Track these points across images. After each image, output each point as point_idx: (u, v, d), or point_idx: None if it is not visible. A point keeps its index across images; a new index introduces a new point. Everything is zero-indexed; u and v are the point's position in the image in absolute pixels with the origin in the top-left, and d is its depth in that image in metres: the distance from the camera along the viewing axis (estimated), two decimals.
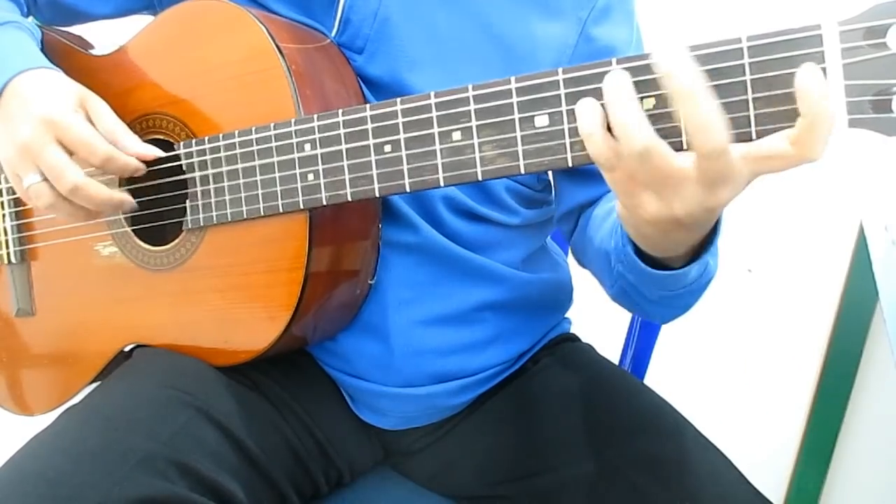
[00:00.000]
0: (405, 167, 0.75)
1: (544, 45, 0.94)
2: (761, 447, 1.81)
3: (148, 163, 0.89)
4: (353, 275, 0.91)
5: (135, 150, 0.88)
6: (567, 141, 0.67)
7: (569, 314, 1.12)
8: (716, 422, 1.06)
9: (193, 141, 0.91)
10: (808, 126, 0.60)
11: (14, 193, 1.05)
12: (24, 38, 0.93)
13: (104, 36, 1.07)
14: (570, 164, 0.67)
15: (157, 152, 0.89)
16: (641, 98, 0.63)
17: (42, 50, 0.94)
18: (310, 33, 0.92)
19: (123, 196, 0.90)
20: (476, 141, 0.70)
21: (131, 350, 1.02)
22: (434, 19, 0.92)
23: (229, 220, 0.89)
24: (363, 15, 0.92)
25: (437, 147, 0.73)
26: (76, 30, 1.09)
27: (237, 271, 0.91)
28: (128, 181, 0.93)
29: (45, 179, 0.87)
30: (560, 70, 0.67)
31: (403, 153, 0.75)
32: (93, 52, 1.04)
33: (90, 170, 0.88)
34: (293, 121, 0.82)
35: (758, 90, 0.60)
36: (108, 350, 1.02)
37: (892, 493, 1.67)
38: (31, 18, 1.04)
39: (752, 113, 0.61)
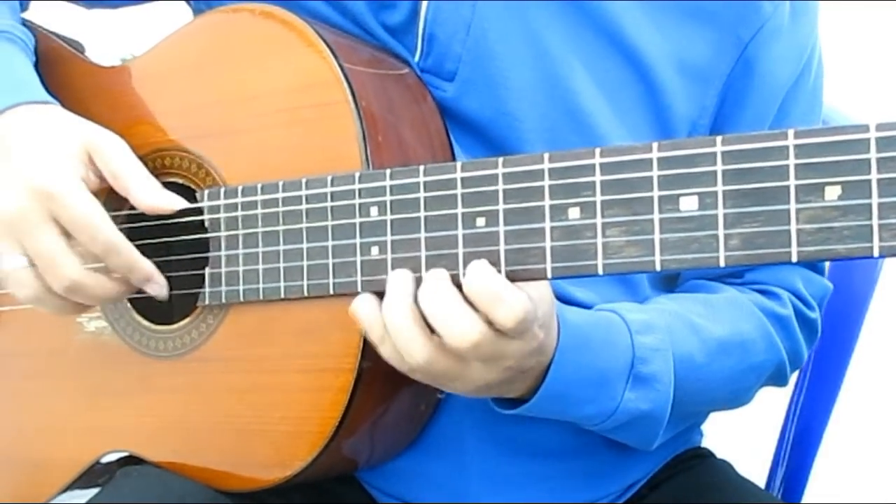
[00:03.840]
0: (501, 248, 0.60)
1: (689, 68, 0.79)
2: None
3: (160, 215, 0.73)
4: (419, 383, 0.70)
5: (149, 203, 0.72)
6: (720, 232, 0.53)
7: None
8: None
9: (222, 190, 0.74)
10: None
11: None
12: (13, 53, 0.77)
13: (116, 40, 0.91)
14: (723, 265, 0.53)
15: (179, 203, 0.73)
16: (824, 185, 0.50)
17: (35, 64, 0.78)
18: (385, 59, 0.76)
19: (131, 286, 0.74)
20: (599, 221, 0.57)
21: (112, 463, 0.84)
22: (543, 32, 0.76)
23: (260, 298, 0.72)
24: (452, 28, 0.75)
25: (547, 225, 0.58)
26: (84, 29, 0.91)
27: (264, 367, 0.74)
28: (128, 235, 0.75)
29: (33, 265, 0.70)
30: (719, 139, 0.53)
31: (501, 229, 0.60)
32: (99, 61, 0.85)
33: None
34: (358, 175, 0.67)
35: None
36: (82, 457, 0.83)
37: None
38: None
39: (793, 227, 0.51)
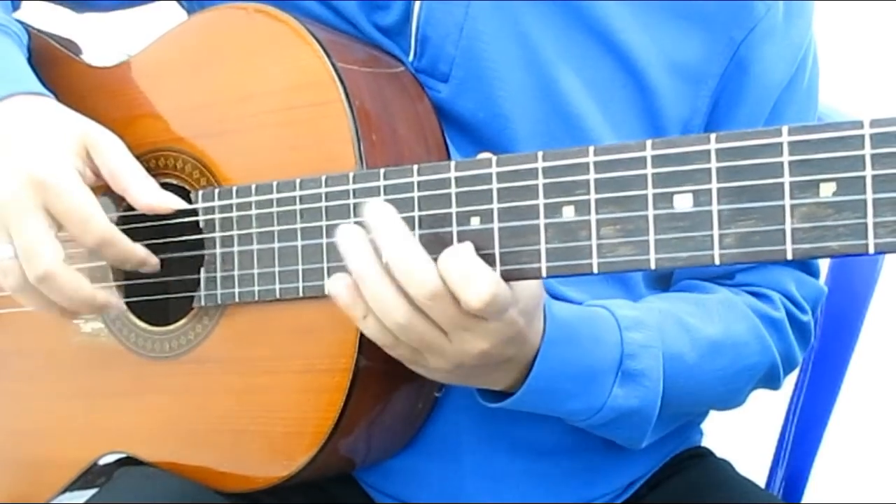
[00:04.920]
0: (496, 247, 0.59)
1: (680, 69, 0.79)
2: None
3: (155, 216, 0.73)
4: (415, 382, 0.71)
5: (146, 202, 0.71)
6: (716, 232, 0.52)
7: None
8: None
9: (216, 191, 0.74)
10: None
11: None
12: (8, 45, 0.76)
13: (110, 41, 0.90)
14: (718, 263, 0.53)
15: (176, 203, 0.72)
16: (818, 182, 0.49)
17: (29, 60, 0.77)
18: (380, 57, 0.76)
19: (110, 298, 0.73)
20: (593, 219, 0.56)
21: (111, 464, 0.83)
22: (534, 34, 0.75)
23: (256, 299, 0.72)
24: (445, 29, 0.74)
25: (542, 224, 0.58)
26: (76, 29, 0.90)
27: (260, 368, 0.74)
28: None
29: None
30: (713, 136, 0.53)
31: (496, 228, 0.59)
32: (93, 61, 0.85)
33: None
34: (351, 175, 0.66)
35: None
36: (80, 458, 0.83)
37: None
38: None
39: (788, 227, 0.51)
